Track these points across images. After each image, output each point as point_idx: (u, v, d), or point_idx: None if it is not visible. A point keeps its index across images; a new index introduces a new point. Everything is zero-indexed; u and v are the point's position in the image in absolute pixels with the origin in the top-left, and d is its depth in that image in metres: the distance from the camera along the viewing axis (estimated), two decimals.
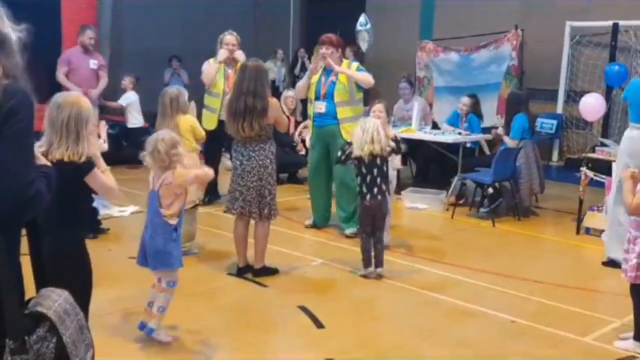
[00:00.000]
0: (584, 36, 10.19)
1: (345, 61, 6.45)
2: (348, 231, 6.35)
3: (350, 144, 5.28)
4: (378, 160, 5.15)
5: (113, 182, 3.21)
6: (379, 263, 5.20)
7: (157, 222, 3.84)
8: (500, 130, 7.75)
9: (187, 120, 5.46)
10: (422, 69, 11.65)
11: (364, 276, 5.21)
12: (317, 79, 6.40)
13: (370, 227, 5.21)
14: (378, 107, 5.89)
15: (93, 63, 8.38)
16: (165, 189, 3.85)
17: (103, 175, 3.14)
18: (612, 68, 8.73)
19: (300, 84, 6.70)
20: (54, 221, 2.93)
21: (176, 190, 3.88)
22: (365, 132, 5.09)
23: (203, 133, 5.63)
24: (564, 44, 10.34)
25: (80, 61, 8.27)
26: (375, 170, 5.16)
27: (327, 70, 6.36)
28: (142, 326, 3.98)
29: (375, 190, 5.17)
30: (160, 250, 3.82)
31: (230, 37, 7.15)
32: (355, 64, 6.49)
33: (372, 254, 5.22)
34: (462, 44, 11.06)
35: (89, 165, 3.03)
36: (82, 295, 3.03)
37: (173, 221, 3.86)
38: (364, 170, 5.17)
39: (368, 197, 5.18)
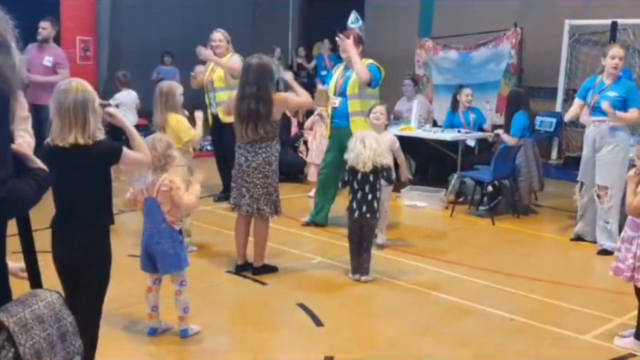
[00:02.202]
0: (582, 34, 10.16)
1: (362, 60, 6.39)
2: (306, 219, 6.65)
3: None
4: (371, 177, 5.01)
5: (147, 153, 3.23)
6: (364, 271, 5.07)
7: (163, 228, 3.88)
8: (499, 130, 7.74)
9: (173, 118, 5.25)
10: (421, 67, 11.64)
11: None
12: (338, 76, 6.44)
13: (358, 237, 5.10)
14: (379, 110, 5.85)
15: (47, 60, 7.76)
16: (163, 196, 3.88)
17: (133, 152, 3.13)
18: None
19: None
20: (85, 211, 2.99)
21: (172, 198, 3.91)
22: (368, 148, 4.94)
23: (192, 133, 5.34)
24: (562, 42, 10.33)
25: (34, 58, 7.65)
26: (367, 187, 5.01)
27: (348, 67, 6.37)
28: (153, 332, 4.01)
29: (364, 208, 5.01)
30: (170, 255, 3.89)
31: (215, 34, 7.16)
32: (369, 61, 6.29)
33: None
34: (461, 42, 11.06)
35: (119, 146, 3.03)
36: (103, 287, 3.15)
37: (178, 226, 3.94)
38: (355, 185, 5.03)
39: (356, 214, 5.03)
